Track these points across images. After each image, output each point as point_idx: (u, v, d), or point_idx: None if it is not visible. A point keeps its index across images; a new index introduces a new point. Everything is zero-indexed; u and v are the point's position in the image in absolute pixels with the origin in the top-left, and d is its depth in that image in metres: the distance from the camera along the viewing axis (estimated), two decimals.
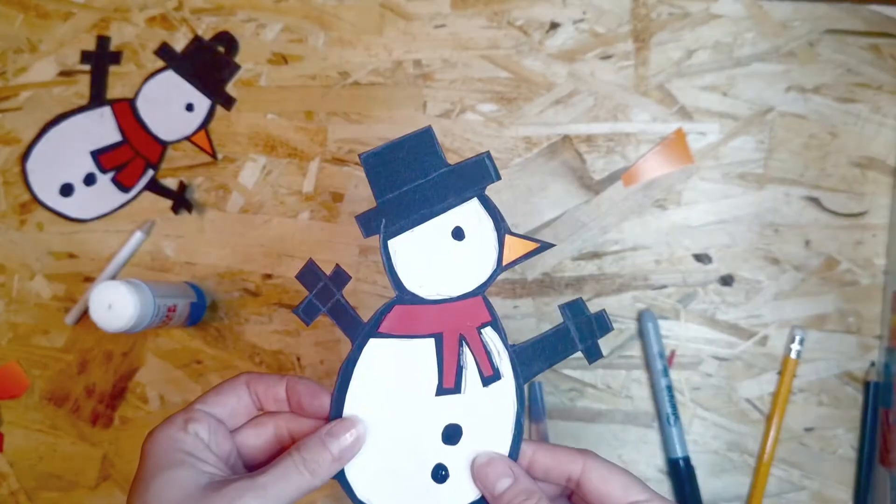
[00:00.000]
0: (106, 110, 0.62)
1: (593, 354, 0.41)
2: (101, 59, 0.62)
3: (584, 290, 0.60)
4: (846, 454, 0.59)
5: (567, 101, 0.61)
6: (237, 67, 0.62)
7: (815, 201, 0.60)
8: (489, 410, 0.39)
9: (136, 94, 0.62)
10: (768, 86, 0.60)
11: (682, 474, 0.58)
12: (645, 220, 0.60)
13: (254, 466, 0.39)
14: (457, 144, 0.61)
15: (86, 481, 0.61)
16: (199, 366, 0.61)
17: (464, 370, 0.39)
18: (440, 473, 0.39)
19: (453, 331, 0.39)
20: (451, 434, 0.39)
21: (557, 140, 0.60)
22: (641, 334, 0.59)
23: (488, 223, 0.39)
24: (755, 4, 0.60)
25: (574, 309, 0.40)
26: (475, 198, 0.39)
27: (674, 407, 0.58)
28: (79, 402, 0.62)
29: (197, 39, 0.62)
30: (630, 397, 0.60)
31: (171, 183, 0.62)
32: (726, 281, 0.60)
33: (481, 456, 0.39)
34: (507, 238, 0.39)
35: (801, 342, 0.58)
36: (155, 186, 0.62)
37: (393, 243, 0.39)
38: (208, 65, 0.62)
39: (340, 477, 0.39)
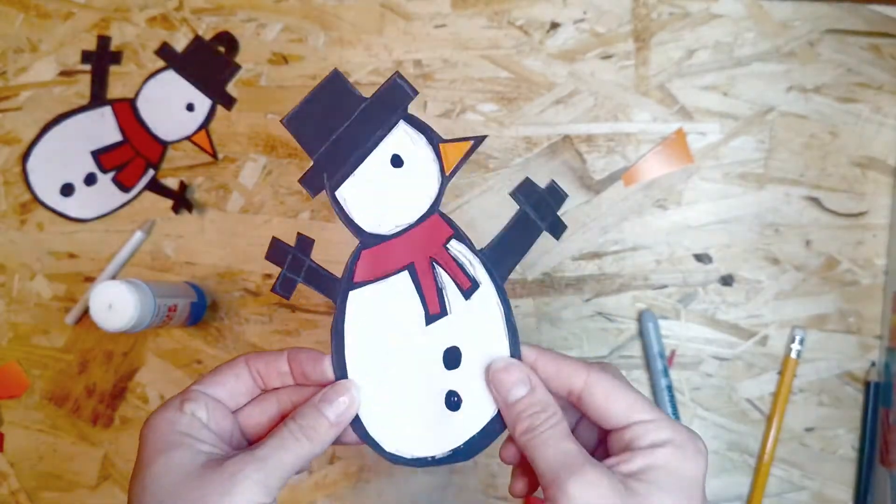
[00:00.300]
0: (106, 110, 0.62)
1: (557, 229, 0.40)
2: (102, 58, 0.62)
3: (584, 289, 0.60)
4: (846, 454, 0.59)
5: (567, 101, 0.61)
6: (237, 67, 0.62)
7: (815, 201, 0.60)
8: (479, 321, 0.39)
9: (137, 93, 0.62)
10: (769, 86, 0.60)
11: None
12: (645, 220, 0.60)
13: None
14: None
15: (86, 481, 0.61)
16: (199, 365, 0.61)
17: (444, 291, 0.39)
18: (452, 400, 0.39)
19: (423, 256, 0.39)
20: (452, 358, 0.39)
21: (558, 140, 0.60)
22: (642, 334, 0.59)
23: (421, 140, 0.39)
24: (755, 4, 0.60)
25: (525, 191, 0.40)
26: (401, 121, 0.39)
27: (674, 407, 0.58)
28: (79, 402, 0.62)
29: (197, 39, 0.62)
30: None
31: (171, 183, 0.62)
32: (727, 281, 0.60)
33: (498, 361, 0.38)
34: (441, 147, 0.39)
35: (802, 342, 0.58)
36: (155, 186, 0.62)
37: (340, 193, 0.39)
38: (209, 65, 0.62)
39: (366, 437, 0.39)
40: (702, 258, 0.60)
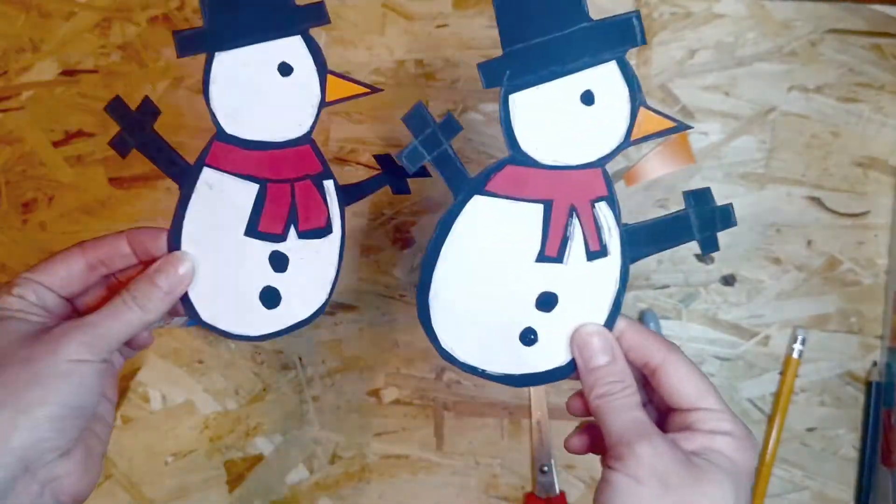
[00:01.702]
0: (207, 174, 0.41)
1: (709, 246, 0.39)
2: (139, 124, 0.41)
3: None
4: (848, 454, 0.59)
5: None
6: None
7: (816, 201, 0.60)
8: (589, 285, 0.38)
9: (216, 123, 0.41)
10: (770, 85, 0.60)
11: None
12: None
13: None
14: (459, 144, 0.61)
15: None
16: (200, 365, 0.61)
17: (569, 241, 0.38)
18: (529, 337, 0.39)
19: (565, 200, 0.38)
20: (546, 301, 0.39)
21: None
22: None
23: (623, 92, 0.36)
24: (757, 4, 0.60)
25: (699, 198, 0.38)
26: (614, 61, 0.36)
27: None
28: None
29: None
30: None
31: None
32: (728, 281, 0.60)
33: (589, 325, 0.38)
34: (642, 111, 0.37)
35: (803, 342, 0.58)
36: (371, 184, 0.44)
37: (515, 97, 0.37)
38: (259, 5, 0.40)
39: (426, 323, 0.39)
40: (703, 258, 0.60)
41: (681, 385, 0.37)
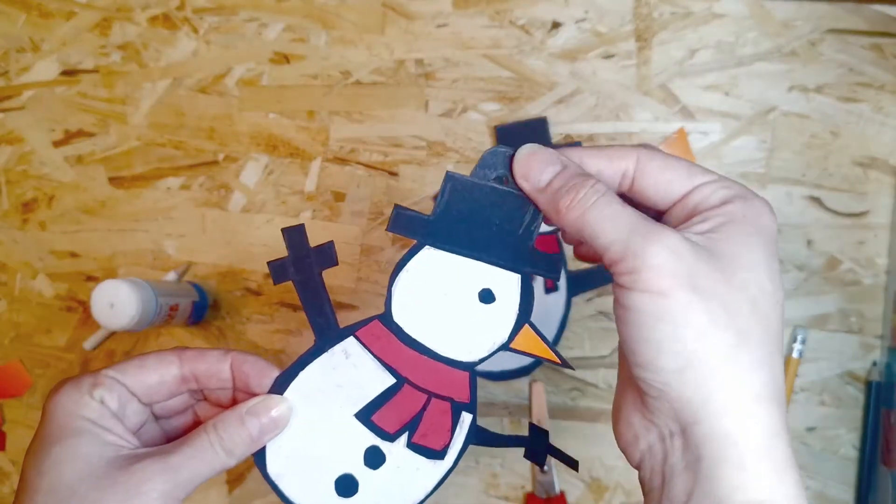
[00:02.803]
0: (351, 344, 0.38)
1: None
2: (315, 261, 0.37)
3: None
4: (848, 454, 0.59)
5: (569, 101, 0.61)
6: (536, 216, 0.35)
7: (817, 201, 0.60)
8: (547, 309, 0.49)
9: (389, 297, 0.37)
10: (770, 85, 0.60)
11: None
12: None
13: (171, 437, 0.37)
14: (459, 144, 0.61)
15: None
16: None
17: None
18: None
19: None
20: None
21: (559, 139, 0.60)
22: None
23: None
24: (757, 4, 0.60)
25: None
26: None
27: None
28: None
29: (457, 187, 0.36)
30: None
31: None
32: None
33: (525, 147, 0.34)
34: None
35: (803, 342, 0.58)
36: (533, 454, 0.39)
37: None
38: (500, 209, 0.36)
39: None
40: None
41: (666, 172, 0.32)
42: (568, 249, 0.60)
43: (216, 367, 0.36)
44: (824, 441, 0.59)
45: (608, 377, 0.60)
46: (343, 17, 0.62)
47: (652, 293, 0.28)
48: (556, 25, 0.61)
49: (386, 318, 0.37)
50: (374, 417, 0.37)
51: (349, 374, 0.37)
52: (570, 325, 0.60)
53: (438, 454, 0.37)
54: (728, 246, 0.29)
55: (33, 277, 0.62)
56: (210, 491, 0.61)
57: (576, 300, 0.60)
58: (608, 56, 0.61)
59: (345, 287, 0.61)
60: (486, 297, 0.36)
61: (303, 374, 0.37)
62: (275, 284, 0.37)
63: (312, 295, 0.37)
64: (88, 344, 0.61)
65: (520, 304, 0.36)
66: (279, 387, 0.36)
